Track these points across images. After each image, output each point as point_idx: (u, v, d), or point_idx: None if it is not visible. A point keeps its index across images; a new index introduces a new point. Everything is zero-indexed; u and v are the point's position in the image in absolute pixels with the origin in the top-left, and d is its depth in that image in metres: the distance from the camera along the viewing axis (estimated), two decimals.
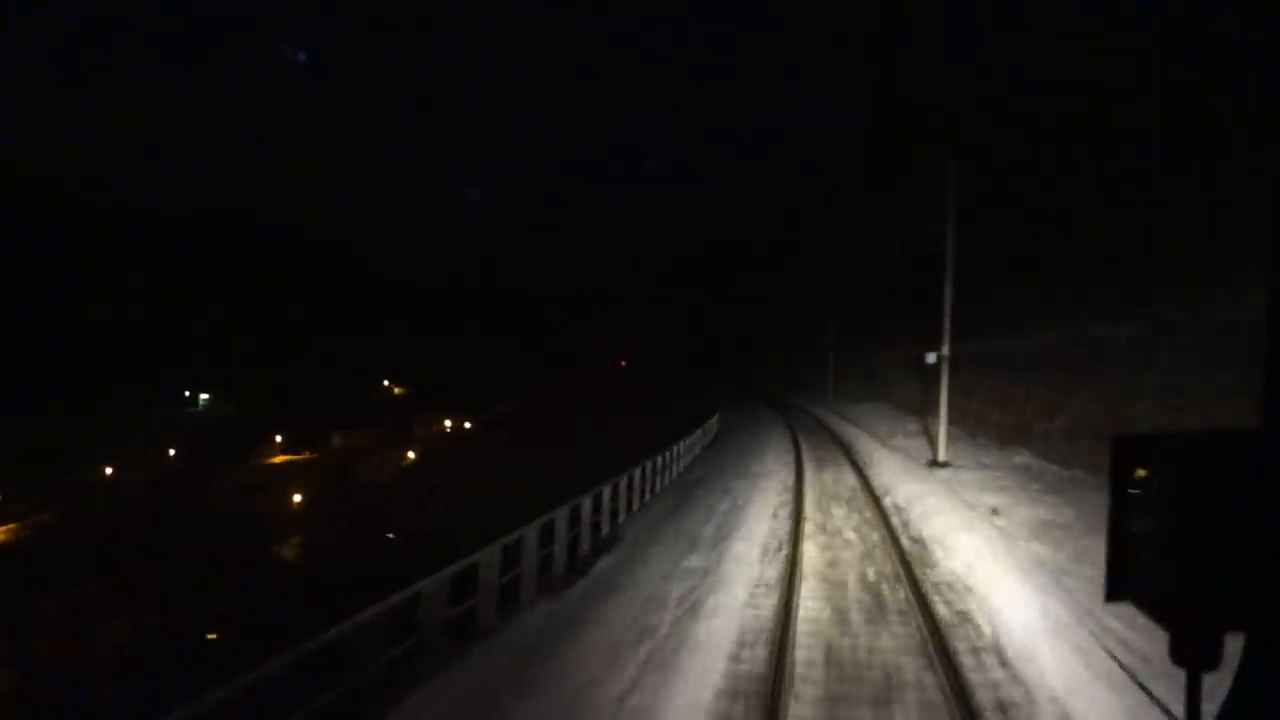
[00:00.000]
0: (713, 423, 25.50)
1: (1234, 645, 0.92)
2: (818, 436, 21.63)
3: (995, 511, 9.85)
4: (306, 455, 54.38)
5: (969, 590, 6.63)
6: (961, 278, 21.33)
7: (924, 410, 23.02)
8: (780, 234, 62.23)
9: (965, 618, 5.97)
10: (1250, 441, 0.95)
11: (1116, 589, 1.03)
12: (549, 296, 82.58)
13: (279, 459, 53.64)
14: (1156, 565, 0.98)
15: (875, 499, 10.98)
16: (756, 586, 7.11)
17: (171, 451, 51.65)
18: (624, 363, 72.99)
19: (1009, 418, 16.34)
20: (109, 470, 46.11)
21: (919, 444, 17.94)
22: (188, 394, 65.22)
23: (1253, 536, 0.90)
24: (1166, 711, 4.23)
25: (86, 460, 44.69)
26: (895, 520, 9.67)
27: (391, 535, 31.56)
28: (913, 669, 5.12)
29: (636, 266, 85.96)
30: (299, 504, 41.01)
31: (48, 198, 67.30)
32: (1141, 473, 1.01)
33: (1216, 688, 0.93)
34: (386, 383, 75.86)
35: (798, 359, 51.63)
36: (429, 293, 78.01)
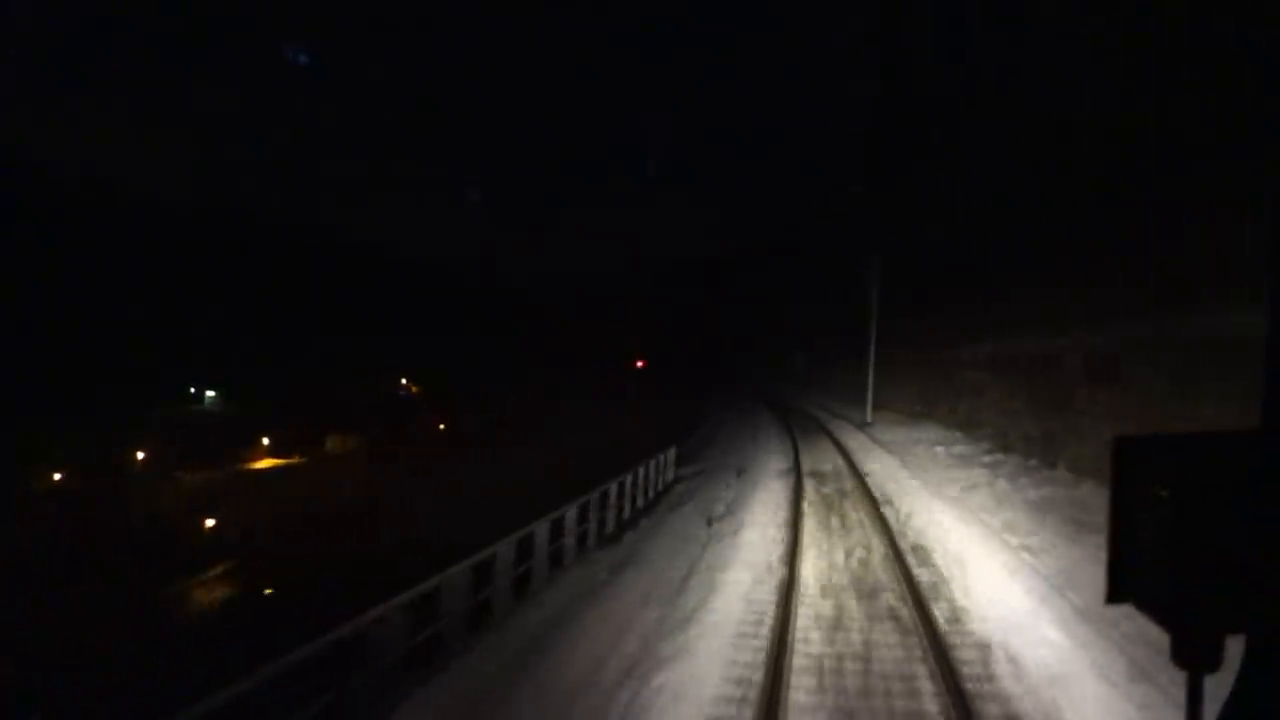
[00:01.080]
0: (665, 461, 15.63)
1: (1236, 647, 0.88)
2: (866, 537, 9.00)
3: None
4: (296, 460, 49.57)
5: None
6: (965, 278, 20.41)
7: (1052, 454, 12.61)
8: (780, 234, 61.34)
9: None
10: (1251, 442, 0.91)
11: (1117, 591, 0.99)
12: (550, 297, 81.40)
13: (262, 464, 48.61)
14: (1157, 567, 0.94)
15: None
16: None
17: (140, 455, 45.41)
18: (642, 363, 69.12)
19: None
20: (56, 476, 39.91)
21: None
22: (193, 390, 63.73)
23: (1254, 538, 0.88)
24: None
25: (66, 462, 39.93)
26: None
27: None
28: None
29: (637, 266, 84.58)
30: (211, 529, 33.60)
31: (49, 196, 66.31)
32: (1143, 474, 0.97)
33: (1217, 689, 0.89)
34: (405, 380, 73.61)
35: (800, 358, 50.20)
36: (429, 292, 77.24)
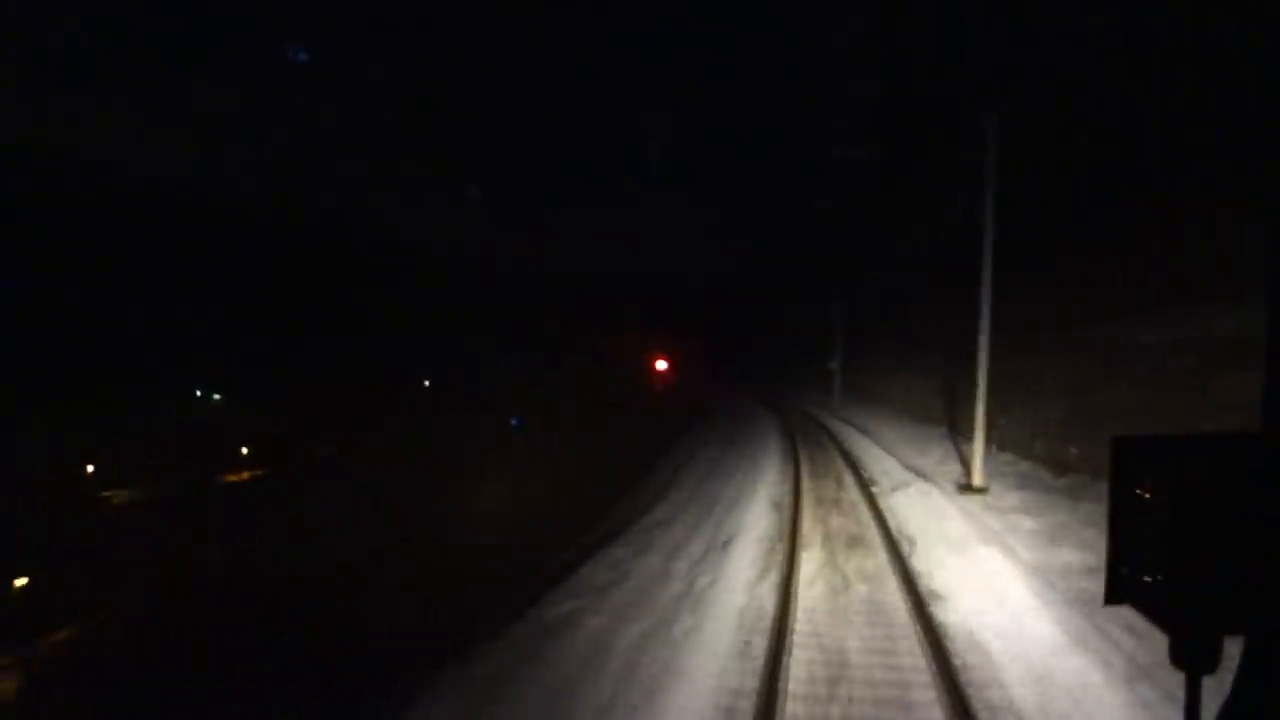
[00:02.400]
0: None
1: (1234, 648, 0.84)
2: None
3: None
4: (270, 471, 43.20)
5: None
6: (961, 279, 20.12)
7: None
8: (782, 233, 61.15)
9: None
10: (1251, 444, 0.91)
11: (1116, 592, 0.99)
12: (551, 296, 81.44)
13: (238, 475, 43.34)
14: (1156, 568, 0.93)
15: None
16: None
17: (90, 468, 39.47)
18: (664, 363, 65.40)
19: None
20: None
21: None
22: (199, 393, 63.13)
23: (1253, 540, 0.87)
24: None
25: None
26: None
27: None
28: None
29: (639, 266, 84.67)
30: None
31: (50, 193, 66.15)
32: (1142, 475, 0.96)
33: (1215, 690, 0.86)
34: (427, 383, 72.32)
35: (801, 358, 48.66)
36: (429, 292, 77.20)
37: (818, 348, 39.84)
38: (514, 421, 54.96)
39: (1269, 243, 0.99)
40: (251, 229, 74.74)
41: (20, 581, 25.28)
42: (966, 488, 11.41)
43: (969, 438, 11.99)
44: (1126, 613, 4.89)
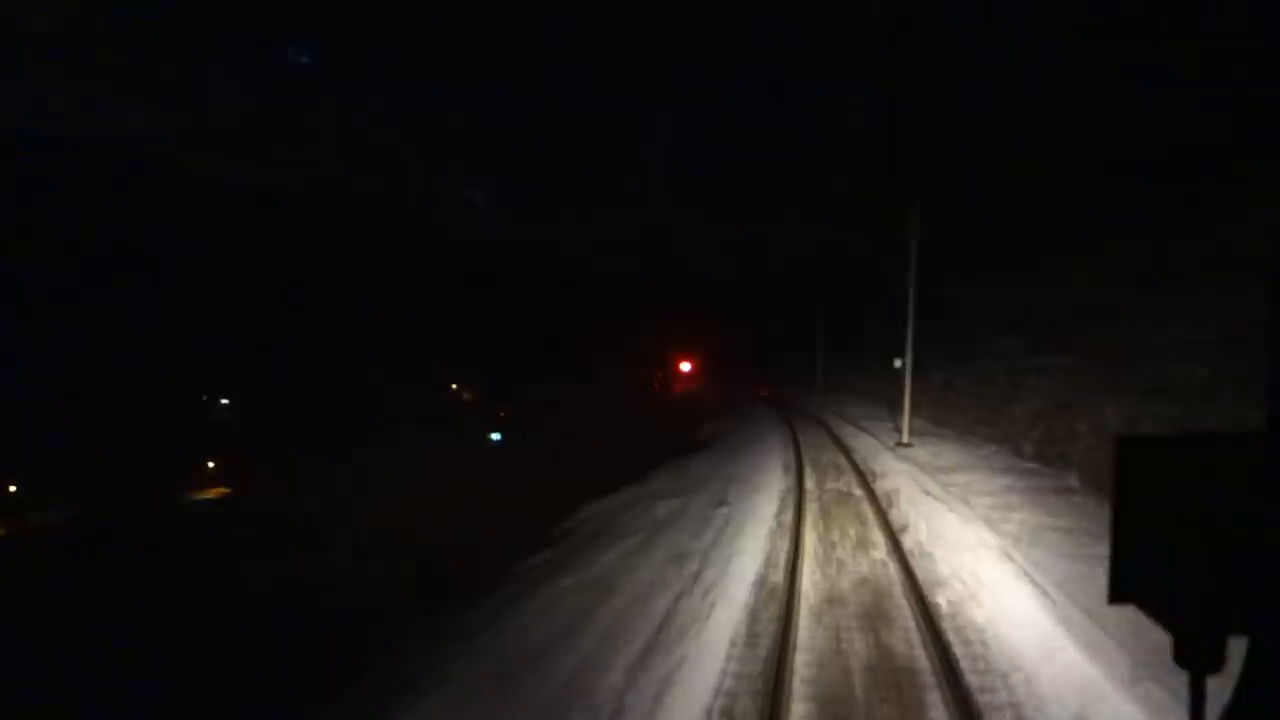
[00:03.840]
0: None
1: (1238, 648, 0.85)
2: None
3: None
4: (227, 492, 40.35)
5: None
6: (963, 277, 20.13)
7: None
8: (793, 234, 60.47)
9: None
10: (1255, 443, 0.91)
11: (1120, 591, 0.98)
12: (555, 296, 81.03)
13: (211, 493, 39.91)
14: (1160, 567, 0.93)
15: None
16: None
17: (13, 488, 35.37)
18: (689, 365, 64.10)
19: None
20: None
21: None
22: (205, 398, 62.46)
23: (1256, 538, 0.87)
24: None
25: None
26: None
27: None
28: None
29: (647, 267, 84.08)
30: None
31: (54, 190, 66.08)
32: (1145, 474, 0.96)
33: (1217, 692, 0.87)
34: (455, 386, 71.46)
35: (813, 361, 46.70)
36: (430, 293, 76.93)
37: (838, 347, 37.37)
38: (495, 437, 51.84)
39: (1270, 242, 1.02)
40: (251, 229, 74.57)
41: None
42: None
43: None
44: None
